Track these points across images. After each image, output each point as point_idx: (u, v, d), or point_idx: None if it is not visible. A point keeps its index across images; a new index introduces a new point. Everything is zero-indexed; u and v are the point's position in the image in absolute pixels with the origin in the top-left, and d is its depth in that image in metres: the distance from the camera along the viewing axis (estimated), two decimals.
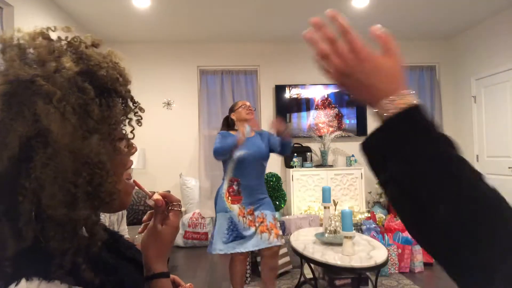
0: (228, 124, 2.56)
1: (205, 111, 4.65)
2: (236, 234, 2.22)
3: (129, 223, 3.64)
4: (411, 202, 0.41)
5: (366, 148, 0.47)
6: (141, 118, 0.56)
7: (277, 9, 3.72)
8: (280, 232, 2.37)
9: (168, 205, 0.61)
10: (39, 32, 0.45)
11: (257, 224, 2.25)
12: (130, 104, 0.53)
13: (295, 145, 4.69)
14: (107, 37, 4.43)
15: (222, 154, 2.23)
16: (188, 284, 0.70)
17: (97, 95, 0.44)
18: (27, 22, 3.01)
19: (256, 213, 2.29)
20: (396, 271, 3.18)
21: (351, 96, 0.50)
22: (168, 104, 4.67)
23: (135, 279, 0.54)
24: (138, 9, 3.62)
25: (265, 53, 4.76)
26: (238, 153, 2.22)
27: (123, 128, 0.52)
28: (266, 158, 2.40)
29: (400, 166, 0.42)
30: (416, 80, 4.86)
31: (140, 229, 0.62)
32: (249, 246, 2.21)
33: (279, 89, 4.67)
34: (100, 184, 0.43)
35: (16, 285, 0.38)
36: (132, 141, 0.56)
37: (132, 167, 2.92)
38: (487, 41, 4.19)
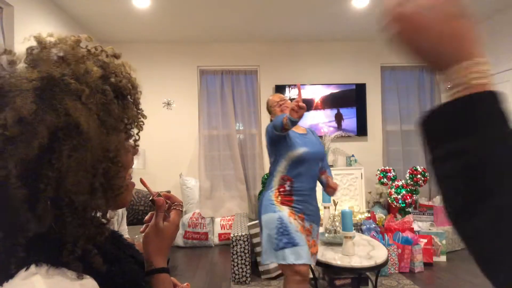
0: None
1: (205, 111, 4.65)
2: (287, 239, 1.77)
3: (129, 223, 3.64)
4: (475, 182, 0.37)
5: (433, 117, 0.43)
6: (143, 124, 0.59)
7: (277, 9, 3.72)
8: (316, 251, 2.00)
9: (170, 206, 0.65)
10: (72, 39, 0.50)
11: (306, 234, 1.90)
12: (135, 110, 0.56)
13: None
14: (107, 37, 4.44)
15: (277, 128, 1.86)
16: (185, 283, 0.70)
17: (115, 97, 0.49)
18: (27, 22, 3.01)
19: (305, 223, 1.91)
20: (396, 271, 3.18)
21: (418, 58, 0.44)
22: (168, 104, 4.67)
23: (137, 271, 0.57)
24: (138, 9, 3.62)
25: (265, 53, 4.76)
26: (297, 151, 1.89)
27: (132, 130, 0.56)
28: (323, 157, 2.08)
29: (476, 143, 0.38)
30: (416, 80, 4.86)
31: (142, 228, 0.64)
32: (305, 256, 1.75)
33: (279, 89, 4.66)
34: (113, 177, 0.48)
35: (26, 269, 0.40)
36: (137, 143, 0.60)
37: (133, 166, 2.91)
38: (487, 41, 4.19)
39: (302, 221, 1.89)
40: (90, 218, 0.46)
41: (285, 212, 1.85)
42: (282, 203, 1.89)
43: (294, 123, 1.71)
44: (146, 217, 0.65)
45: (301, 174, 1.91)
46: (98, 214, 0.48)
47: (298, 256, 1.74)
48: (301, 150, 1.90)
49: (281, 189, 1.92)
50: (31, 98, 0.41)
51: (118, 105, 0.49)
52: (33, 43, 0.48)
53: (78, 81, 0.45)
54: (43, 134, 0.41)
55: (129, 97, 0.53)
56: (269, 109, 2.24)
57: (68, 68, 0.45)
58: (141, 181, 0.67)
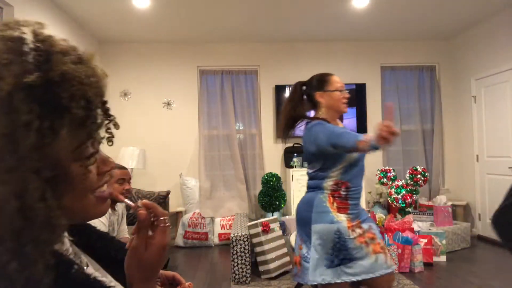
0: (309, 99, 1.84)
1: (205, 111, 4.65)
2: (344, 255, 1.57)
3: (129, 223, 3.64)
4: None
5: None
6: (112, 136, 0.48)
7: (277, 9, 3.72)
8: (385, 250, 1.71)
9: (153, 220, 0.52)
10: None
11: (368, 241, 1.62)
12: (99, 120, 0.45)
13: (295, 145, 4.69)
14: (107, 37, 4.44)
15: (339, 148, 1.57)
16: (188, 283, 0.68)
17: (41, 116, 0.37)
18: None
19: (364, 226, 1.67)
20: (396, 271, 3.18)
21: None
22: (168, 104, 4.67)
23: None
24: (138, 9, 3.62)
25: (265, 53, 4.76)
26: (355, 153, 1.64)
27: (88, 147, 0.44)
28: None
29: None
30: (416, 80, 4.86)
31: (128, 243, 0.52)
32: (362, 271, 1.56)
33: (279, 89, 4.66)
34: (30, 222, 0.37)
35: None
36: (106, 158, 0.49)
37: (133, 167, 2.89)
38: (487, 41, 4.19)
39: (360, 228, 1.65)
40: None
41: (343, 223, 1.61)
42: (339, 211, 1.64)
43: (374, 150, 1.42)
44: (133, 230, 0.52)
45: (356, 176, 1.71)
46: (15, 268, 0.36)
47: (356, 273, 1.55)
48: (350, 154, 1.65)
49: (336, 195, 1.66)
50: None
51: (40, 128, 0.37)
52: None
53: None
54: None
55: (76, 110, 0.40)
56: (325, 87, 1.77)
57: None
58: (112, 195, 0.51)
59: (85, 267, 0.49)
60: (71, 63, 0.40)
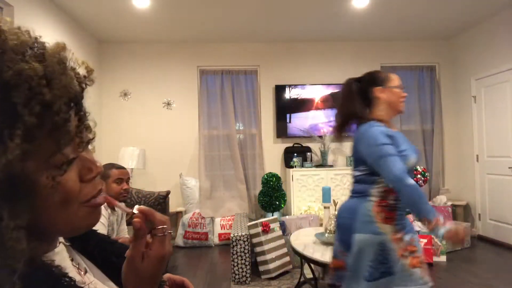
0: (363, 96, 1.72)
1: (205, 111, 4.65)
2: (385, 269, 1.48)
3: (128, 223, 3.64)
4: None
5: None
6: (87, 141, 0.42)
7: (277, 9, 3.72)
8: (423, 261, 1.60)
9: (151, 229, 0.48)
10: None
11: (406, 254, 1.51)
12: (66, 126, 0.37)
13: (295, 145, 4.69)
14: (107, 37, 4.44)
15: (409, 202, 1.39)
16: None
17: None
18: (27, 22, 3.01)
19: (406, 238, 1.53)
20: None
21: None
22: (168, 104, 4.67)
23: None
24: (138, 9, 3.62)
25: (265, 53, 4.76)
26: (411, 160, 1.51)
27: (63, 154, 0.38)
28: None
29: None
30: (416, 80, 4.86)
31: (127, 251, 0.48)
32: (396, 284, 1.49)
33: (279, 89, 4.67)
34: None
35: None
36: (90, 162, 0.43)
37: (133, 167, 2.89)
38: (487, 41, 4.19)
39: (403, 240, 1.52)
40: None
41: (388, 235, 1.50)
42: (385, 222, 1.52)
43: (437, 236, 1.33)
44: (130, 238, 0.48)
45: None
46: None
47: (393, 285, 1.49)
48: (413, 158, 1.52)
49: (383, 204, 1.53)
50: None
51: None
52: None
53: None
54: None
55: (36, 116, 0.34)
56: (386, 83, 1.71)
57: None
58: (107, 200, 0.46)
59: (82, 273, 0.47)
60: (26, 61, 0.34)
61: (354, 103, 1.69)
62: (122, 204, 0.51)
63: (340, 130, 1.74)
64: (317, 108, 4.68)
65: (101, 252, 0.55)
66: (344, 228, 1.60)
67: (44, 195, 0.37)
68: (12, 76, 0.33)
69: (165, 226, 0.48)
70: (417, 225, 3.68)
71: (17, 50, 0.34)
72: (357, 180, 1.65)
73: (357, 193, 1.63)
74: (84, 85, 0.41)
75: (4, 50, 0.33)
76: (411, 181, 1.36)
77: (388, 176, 1.42)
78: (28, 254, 0.35)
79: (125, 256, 0.49)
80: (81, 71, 0.42)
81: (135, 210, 0.47)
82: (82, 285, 0.42)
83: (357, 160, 1.66)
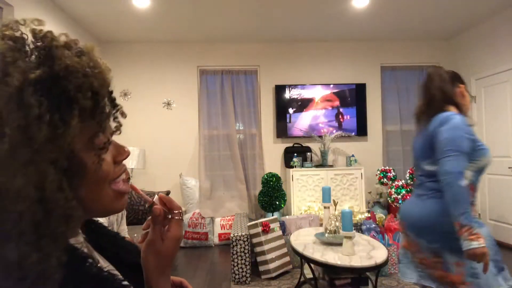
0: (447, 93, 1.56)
1: (205, 111, 4.66)
2: (498, 261, 1.43)
3: (128, 223, 3.64)
4: None
5: None
6: (120, 125, 0.49)
7: (277, 9, 3.72)
8: None
9: (167, 214, 0.54)
10: None
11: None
12: (107, 110, 0.46)
13: (295, 145, 4.69)
14: (107, 37, 4.44)
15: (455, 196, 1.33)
16: None
17: (51, 109, 0.38)
18: None
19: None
20: (396, 271, 3.18)
21: None
22: (168, 104, 4.67)
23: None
24: (138, 9, 3.62)
25: (265, 53, 4.76)
26: (488, 158, 1.45)
27: (100, 137, 0.44)
28: None
29: None
30: (416, 80, 4.86)
31: (140, 238, 0.56)
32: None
33: (279, 89, 4.67)
34: (47, 214, 0.37)
35: None
36: (120, 146, 0.50)
37: (133, 167, 2.92)
38: (487, 41, 4.19)
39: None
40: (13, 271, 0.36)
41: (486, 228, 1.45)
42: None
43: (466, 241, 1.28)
44: (144, 225, 0.56)
45: (479, 182, 1.50)
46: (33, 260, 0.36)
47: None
48: (488, 154, 1.45)
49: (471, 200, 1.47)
50: None
51: (52, 121, 0.38)
52: None
53: None
54: None
55: (84, 101, 0.41)
56: (461, 83, 1.59)
57: None
58: (132, 187, 0.55)
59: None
60: (74, 56, 0.41)
61: (450, 88, 1.55)
62: (143, 193, 0.57)
63: (432, 114, 1.54)
64: (317, 108, 4.69)
65: (113, 247, 0.58)
66: (436, 236, 1.45)
67: (89, 173, 0.43)
68: (65, 69, 0.39)
69: (181, 211, 0.55)
70: None
71: (68, 47, 0.42)
72: (430, 175, 1.50)
73: (435, 190, 1.48)
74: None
75: (55, 47, 0.40)
76: (464, 183, 1.33)
77: (447, 169, 1.35)
78: (79, 222, 0.42)
79: (132, 252, 0.56)
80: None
81: (155, 200, 0.54)
82: (104, 268, 0.46)
83: (429, 151, 1.50)
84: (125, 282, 0.47)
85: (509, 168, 3.87)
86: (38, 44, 0.40)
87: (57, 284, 0.37)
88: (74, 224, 0.41)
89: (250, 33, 4.42)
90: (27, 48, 0.39)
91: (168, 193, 4.12)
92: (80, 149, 0.42)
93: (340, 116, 4.71)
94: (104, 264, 0.53)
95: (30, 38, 0.40)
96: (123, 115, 0.50)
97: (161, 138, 4.62)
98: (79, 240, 0.48)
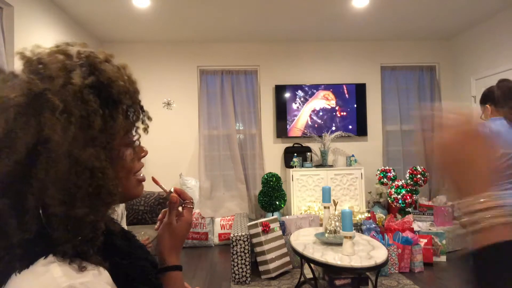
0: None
1: (205, 111, 4.65)
2: None
3: (129, 223, 3.65)
4: None
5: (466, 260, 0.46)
6: (148, 127, 0.60)
7: (277, 9, 3.72)
8: None
9: (181, 203, 0.68)
10: (57, 49, 0.50)
11: None
12: (138, 113, 0.57)
13: (295, 145, 4.69)
14: (107, 37, 4.44)
15: None
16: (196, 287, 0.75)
17: (102, 107, 0.48)
18: (27, 22, 3.01)
19: None
20: (396, 271, 3.19)
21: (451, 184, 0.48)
22: (168, 104, 4.67)
23: (148, 267, 0.59)
24: (138, 9, 3.62)
25: (265, 53, 4.76)
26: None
27: (130, 136, 0.56)
28: None
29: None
30: (416, 80, 4.86)
31: (156, 226, 0.70)
32: None
33: (279, 89, 4.67)
34: (100, 186, 0.47)
35: (44, 258, 0.43)
36: (141, 146, 0.60)
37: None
38: (487, 41, 4.19)
39: None
40: (78, 225, 0.45)
41: None
42: None
43: None
44: (160, 216, 0.69)
45: None
46: (92, 219, 0.47)
47: None
48: None
49: None
50: (9, 116, 0.43)
51: (103, 115, 0.48)
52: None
53: (57, 96, 0.45)
54: (20, 150, 0.42)
55: (124, 104, 0.52)
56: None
57: (50, 83, 0.46)
58: (153, 179, 0.71)
59: None
60: (113, 69, 0.52)
61: None
62: (162, 184, 0.71)
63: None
64: (317, 108, 4.69)
65: (126, 242, 0.64)
66: None
67: (123, 162, 0.54)
68: (108, 78, 0.50)
69: (192, 200, 0.70)
70: (417, 225, 3.68)
71: (108, 60, 0.53)
72: None
73: None
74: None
75: (99, 62, 0.51)
76: None
77: None
78: (120, 198, 0.52)
79: (142, 247, 0.65)
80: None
81: (172, 190, 0.69)
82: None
83: None
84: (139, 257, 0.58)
85: None
86: (84, 61, 0.50)
87: (99, 244, 0.47)
88: (117, 199, 0.51)
89: (250, 33, 4.42)
90: (79, 61, 0.50)
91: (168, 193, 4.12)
92: (120, 142, 0.53)
93: (340, 116, 4.71)
94: None
95: (75, 56, 0.50)
96: (150, 119, 0.61)
97: (161, 138, 4.62)
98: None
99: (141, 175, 0.60)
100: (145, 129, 0.60)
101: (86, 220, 0.46)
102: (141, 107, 0.58)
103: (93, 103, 0.47)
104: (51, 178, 0.44)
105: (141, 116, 0.59)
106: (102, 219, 0.48)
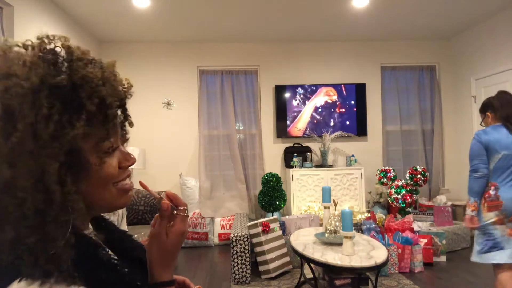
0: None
1: (205, 111, 4.65)
2: (491, 244, 2.05)
3: (129, 223, 3.65)
4: None
5: None
6: (126, 133, 0.56)
7: (277, 9, 3.72)
8: None
9: (173, 209, 0.58)
10: (26, 44, 0.46)
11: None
12: (114, 118, 0.50)
13: (295, 145, 4.69)
14: (107, 37, 4.44)
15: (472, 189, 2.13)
16: (197, 286, 0.69)
17: (62, 111, 0.43)
18: (27, 22, 3.01)
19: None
20: (396, 271, 3.18)
21: None
22: (168, 104, 4.67)
23: (136, 278, 0.53)
24: (138, 9, 3.62)
25: (265, 53, 4.76)
26: (502, 153, 2.05)
27: (106, 143, 0.49)
28: None
29: None
30: (416, 80, 4.86)
31: (146, 238, 0.61)
32: (505, 257, 2.01)
33: (279, 89, 4.67)
34: (47, 201, 0.42)
35: (18, 281, 0.40)
36: (127, 153, 0.54)
37: (133, 167, 2.90)
38: (487, 41, 4.19)
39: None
40: (15, 247, 0.41)
41: (490, 220, 2.05)
42: (489, 210, 2.05)
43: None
44: (152, 222, 0.60)
45: (506, 177, 2.07)
46: (32, 240, 0.41)
47: (500, 258, 2.01)
48: (504, 152, 2.08)
49: (487, 196, 2.08)
50: None
51: (60, 121, 0.42)
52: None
53: (2, 99, 0.41)
54: None
55: (93, 108, 0.45)
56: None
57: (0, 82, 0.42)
58: (141, 184, 0.61)
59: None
60: (89, 68, 0.47)
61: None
62: (152, 190, 0.60)
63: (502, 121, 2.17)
64: (317, 108, 4.68)
65: (120, 243, 0.62)
66: None
67: (92, 172, 0.47)
68: (80, 78, 0.45)
69: (186, 207, 0.59)
70: (417, 225, 3.68)
71: (82, 59, 0.47)
72: None
73: None
74: (127, 95, 0.55)
75: (73, 59, 0.46)
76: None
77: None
78: (83, 214, 0.46)
79: (140, 250, 0.61)
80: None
81: (163, 195, 0.58)
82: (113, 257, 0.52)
83: None
84: (127, 271, 0.51)
85: None
86: (62, 55, 0.46)
87: (68, 261, 0.42)
88: (76, 216, 0.44)
89: (250, 33, 4.42)
90: (53, 58, 0.45)
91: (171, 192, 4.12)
92: (87, 150, 0.47)
93: (340, 116, 4.71)
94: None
95: (58, 50, 0.46)
96: (131, 124, 0.56)
97: (161, 138, 4.62)
98: (89, 234, 0.53)
99: (127, 183, 0.54)
100: (123, 136, 0.55)
101: (26, 242, 0.40)
102: (124, 112, 0.53)
103: (45, 108, 0.41)
104: None
105: (122, 121, 0.54)
106: (58, 239, 0.42)
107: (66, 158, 0.43)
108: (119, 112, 0.53)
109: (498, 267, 2.10)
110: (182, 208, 0.58)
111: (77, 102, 0.44)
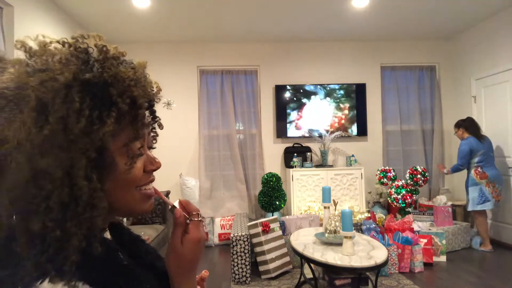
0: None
1: (205, 111, 4.65)
2: (485, 199, 3.65)
3: (130, 223, 3.65)
4: None
5: None
6: (157, 135, 0.57)
7: (277, 9, 3.72)
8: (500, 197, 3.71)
9: (187, 218, 0.56)
10: (60, 41, 0.47)
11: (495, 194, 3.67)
12: (143, 119, 0.50)
13: (295, 145, 4.69)
14: (107, 37, 4.40)
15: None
16: (204, 270, 0.70)
17: (92, 107, 0.43)
18: (27, 22, 3.01)
19: (497, 186, 3.68)
20: (396, 271, 3.19)
21: None
22: (168, 104, 4.67)
23: (153, 284, 0.52)
24: (138, 9, 3.62)
25: (265, 53, 4.76)
26: (481, 151, 3.74)
27: (134, 145, 0.49)
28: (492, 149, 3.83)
29: None
30: (416, 80, 4.86)
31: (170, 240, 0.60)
32: (490, 205, 3.66)
33: (279, 89, 4.67)
34: (73, 197, 0.42)
35: (41, 283, 0.40)
36: (152, 157, 0.55)
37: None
38: (487, 41, 4.19)
39: (494, 186, 3.68)
40: (36, 241, 0.41)
41: (483, 184, 3.69)
42: (481, 179, 3.69)
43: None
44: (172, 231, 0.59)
45: (487, 161, 3.77)
46: (58, 235, 0.41)
47: (488, 206, 3.68)
48: (481, 151, 3.80)
49: (477, 171, 3.72)
50: None
51: (91, 117, 0.43)
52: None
53: (35, 92, 0.41)
54: None
55: (124, 107, 0.46)
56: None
57: (34, 77, 0.42)
58: (155, 191, 0.58)
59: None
60: (122, 67, 0.48)
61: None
62: (165, 197, 0.59)
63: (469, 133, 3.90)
64: (317, 108, 4.68)
65: (134, 247, 0.61)
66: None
67: (117, 173, 0.47)
68: (112, 76, 0.46)
69: (199, 213, 0.57)
70: (417, 225, 3.68)
71: (116, 58, 0.49)
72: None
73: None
74: (156, 98, 0.55)
75: (107, 57, 0.48)
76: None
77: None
78: (105, 213, 0.45)
79: (152, 254, 0.60)
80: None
81: (176, 204, 0.57)
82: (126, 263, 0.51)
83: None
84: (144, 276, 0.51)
85: (509, 168, 3.87)
86: (89, 55, 0.47)
87: (74, 265, 0.41)
88: (98, 214, 0.44)
89: (250, 33, 4.42)
90: (88, 57, 0.46)
91: (168, 193, 4.12)
92: (115, 150, 0.46)
93: (339, 116, 4.71)
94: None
95: (91, 49, 0.47)
96: (160, 126, 0.58)
97: (161, 138, 4.55)
98: (108, 236, 0.53)
99: (150, 189, 0.53)
100: (154, 138, 0.56)
101: (51, 236, 0.40)
102: (152, 113, 0.54)
103: (77, 103, 0.42)
104: (4, 187, 0.40)
105: (151, 123, 0.54)
106: (75, 235, 0.41)
107: (95, 155, 0.43)
108: (147, 113, 0.53)
109: (479, 213, 3.74)
110: (194, 213, 0.56)
111: (108, 99, 0.45)
